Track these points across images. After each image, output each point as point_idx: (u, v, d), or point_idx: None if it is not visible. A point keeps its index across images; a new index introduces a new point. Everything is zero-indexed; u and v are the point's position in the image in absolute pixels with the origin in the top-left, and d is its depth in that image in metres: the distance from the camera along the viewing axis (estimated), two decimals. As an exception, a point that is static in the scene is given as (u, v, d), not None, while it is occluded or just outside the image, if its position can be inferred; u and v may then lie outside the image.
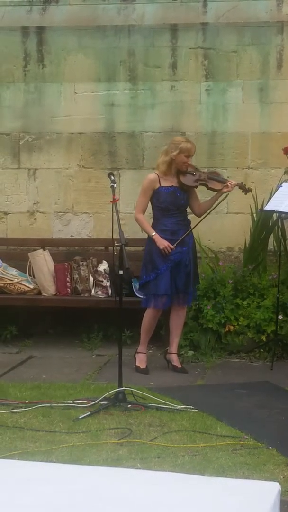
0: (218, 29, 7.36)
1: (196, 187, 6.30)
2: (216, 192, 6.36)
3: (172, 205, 6.20)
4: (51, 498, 2.29)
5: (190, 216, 6.45)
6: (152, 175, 6.24)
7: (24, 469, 2.56)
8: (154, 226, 6.23)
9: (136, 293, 6.97)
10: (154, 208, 6.26)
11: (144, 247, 6.54)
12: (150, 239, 6.21)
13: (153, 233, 6.14)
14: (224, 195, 6.37)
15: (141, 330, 6.28)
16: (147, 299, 6.21)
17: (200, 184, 6.29)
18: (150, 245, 6.19)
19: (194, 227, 6.29)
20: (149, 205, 6.33)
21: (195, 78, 7.42)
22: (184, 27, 7.39)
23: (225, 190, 6.27)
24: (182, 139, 6.30)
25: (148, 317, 6.23)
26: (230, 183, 6.26)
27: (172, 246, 6.10)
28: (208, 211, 6.44)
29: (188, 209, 6.43)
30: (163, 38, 7.43)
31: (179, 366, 6.30)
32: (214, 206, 6.49)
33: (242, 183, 6.49)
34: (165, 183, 6.19)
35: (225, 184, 6.27)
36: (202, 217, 6.38)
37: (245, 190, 6.40)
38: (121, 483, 2.36)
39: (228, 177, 7.28)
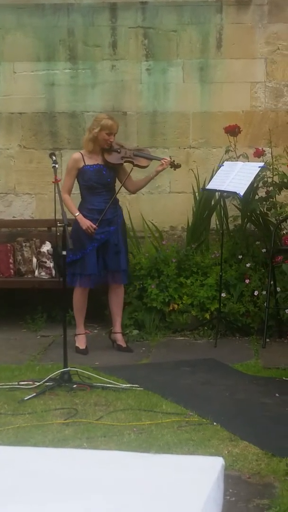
0: (158, 8, 7.35)
1: (121, 164, 6.24)
2: (142, 168, 6.31)
3: (98, 183, 6.16)
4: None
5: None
6: (76, 154, 6.20)
7: None
8: (82, 206, 6.17)
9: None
10: (81, 187, 6.20)
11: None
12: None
13: (77, 213, 6.09)
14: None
15: (73, 311, 6.28)
16: (74, 278, 6.15)
17: (126, 162, 6.24)
18: (77, 225, 6.14)
19: (110, 204, 6.11)
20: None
21: (135, 57, 7.41)
22: (124, 6, 7.36)
23: (160, 168, 6.25)
24: (104, 116, 6.24)
25: (77, 297, 6.21)
26: (164, 161, 6.25)
27: (94, 226, 6.07)
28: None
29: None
30: (103, 17, 7.39)
31: (124, 345, 6.33)
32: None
33: (170, 157, 6.44)
34: (89, 162, 6.16)
35: (160, 162, 6.24)
36: (117, 192, 6.27)
37: (175, 166, 6.40)
38: (68, 463, 2.37)
39: (170, 156, 7.32)
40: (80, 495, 2.15)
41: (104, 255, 6.17)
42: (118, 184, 6.29)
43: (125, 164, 6.27)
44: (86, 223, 6.05)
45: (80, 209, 6.16)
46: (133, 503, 2.08)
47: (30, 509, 2.07)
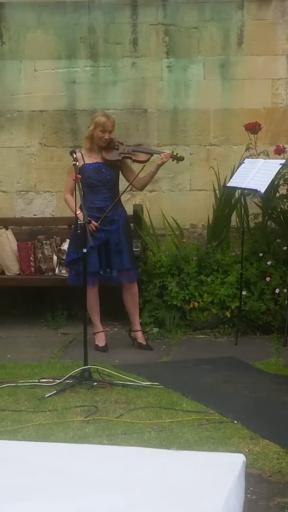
0: (179, 5, 7.33)
1: (119, 161, 6.19)
2: (142, 163, 6.24)
3: (98, 181, 6.13)
4: (21, 476, 2.29)
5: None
6: (77, 154, 6.16)
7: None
8: (83, 205, 6.13)
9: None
10: (82, 186, 5.99)
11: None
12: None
13: (78, 212, 6.01)
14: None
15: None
16: (77, 276, 6.05)
17: (124, 158, 6.19)
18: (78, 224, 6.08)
19: (114, 203, 6.10)
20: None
21: (156, 54, 7.39)
22: (144, 3, 7.35)
23: (160, 162, 6.15)
24: (98, 114, 6.24)
25: (87, 295, 6.12)
26: (164, 154, 6.15)
27: (96, 224, 6.02)
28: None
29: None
30: (124, 14, 7.38)
31: (144, 343, 6.32)
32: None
33: (172, 152, 6.37)
34: (89, 160, 6.15)
35: (160, 156, 6.17)
36: (123, 191, 6.24)
37: (177, 159, 6.34)
38: (89, 459, 2.37)
39: (190, 154, 7.32)
40: (101, 491, 2.15)
41: (107, 254, 6.16)
42: (121, 184, 6.25)
43: (127, 160, 6.23)
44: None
45: (80, 207, 6.11)
46: (155, 499, 2.07)
47: (49, 505, 2.07)
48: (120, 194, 6.21)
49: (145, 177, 6.29)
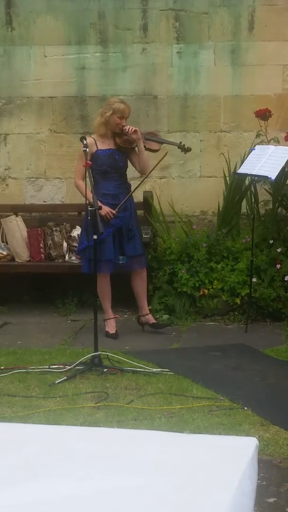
0: (189, -10, 7.28)
1: (133, 148, 6.18)
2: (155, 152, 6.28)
3: (111, 168, 6.10)
4: (31, 458, 2.30)
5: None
6: (88, 139, 6.01)
7: (3, 431, 2.57)
8: (94, 191, 6.08)
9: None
10: (94, 172, 5.96)
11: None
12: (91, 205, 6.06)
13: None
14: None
15: (99, 298, 6.19)
16: (91, 264, 5.86)
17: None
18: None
19: (134, 190, 6.14)
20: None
21: (166, 40, 7.35)
22: (155, -12, 7.30)
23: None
24: (116, 100, 6.19)
25: (99, 284, 6.03)
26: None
27: (114, 212, 6.00)
28: (150, 170, 6.26)
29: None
30: (134, 0, 7.33)
31: (157, 322, 6.32)
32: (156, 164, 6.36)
33: (180, 142, 6.38)
34: (102, 146, 6.10)
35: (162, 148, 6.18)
36: (142, 179, 6.25)
37: (185, 150, 6.33)
38: (102, 441, 2.38)
39: (201, 140, 7.29)
40: (114, 472, 2.15)
41: (120, 240, 6.14)
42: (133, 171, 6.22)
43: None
44: (105, 209, 5.92)
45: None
46: (168, 480, 2.08)
47: (61, 483, 2.08)
48: (140, 182, 6.17)
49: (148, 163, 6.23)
